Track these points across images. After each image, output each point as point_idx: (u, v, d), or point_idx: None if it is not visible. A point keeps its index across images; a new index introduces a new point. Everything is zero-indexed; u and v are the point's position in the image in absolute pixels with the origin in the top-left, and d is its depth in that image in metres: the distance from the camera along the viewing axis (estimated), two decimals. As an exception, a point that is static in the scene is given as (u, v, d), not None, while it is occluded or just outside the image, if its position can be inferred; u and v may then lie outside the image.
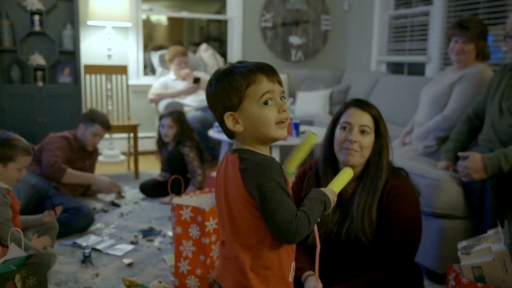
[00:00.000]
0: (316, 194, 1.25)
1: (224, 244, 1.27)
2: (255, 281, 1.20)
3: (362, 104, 1.74)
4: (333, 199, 1.28)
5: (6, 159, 2.16)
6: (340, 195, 1.75)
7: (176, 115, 3.52)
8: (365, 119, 1.70)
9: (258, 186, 1.14)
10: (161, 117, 3.56)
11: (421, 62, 4.64)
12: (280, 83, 1.21)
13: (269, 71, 1.19)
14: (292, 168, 1.34)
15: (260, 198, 1.14)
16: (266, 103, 1.17)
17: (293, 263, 1.28)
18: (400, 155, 2.65)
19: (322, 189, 1.28)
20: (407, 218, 1.70)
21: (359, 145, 1.68)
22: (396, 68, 5.17)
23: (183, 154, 3.43)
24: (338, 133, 1.74)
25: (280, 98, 1.21)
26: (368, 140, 1.69)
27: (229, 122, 1.19)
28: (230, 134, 1.23)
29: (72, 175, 3.12)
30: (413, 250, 1.73)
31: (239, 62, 1.22)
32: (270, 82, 1.18)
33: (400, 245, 1.69)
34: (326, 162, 1.79)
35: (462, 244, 1.75)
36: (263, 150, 1.22)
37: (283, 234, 1.15)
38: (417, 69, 4.81)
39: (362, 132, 1.69)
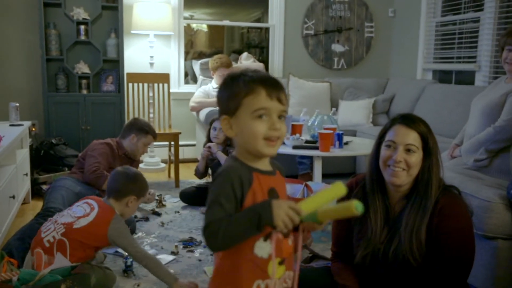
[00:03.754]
0: (256, 206, 1.12)
1: None
2: (213, 281, 1.25)
3: (408, 121, 1.64)
4: (286, 214, 1.08)
5: (140, 194, 2.37)
6: (387, 213, 1.68)
7: None
8: (412, 138, 1.61)
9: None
10: (213, 120, 3.55)
11: (471, 70, 4.47)
12: (280, 100, 1.18)
13: (270, 86, 1.17)
14: (306, 208, 1.14)
15: None
16: (259, 116, 1.16)
17: (261, 282, 1.18)
18: (449, 169, 2.54)
19: (280, 201, 1.10)
20: (460, 238, 1.61)
21: (405, 163, 1.60)
22: (443, 77, 5.01)
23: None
24: (383, 150, 1.66)
25: (279, 116, 1.18)
26: (415, 158, 1.61)
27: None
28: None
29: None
30: (465, 271, 1.64)
31: (252, 71, 1.22)
32: (267, 97, 1.16)
33: (452, 266, 1.60)
34: (373, 179, 1.72)
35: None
36: (250, 160, 1.20)
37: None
38: (465, 78, 4.64)
39: (408, 151, 1.61)
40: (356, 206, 1.10)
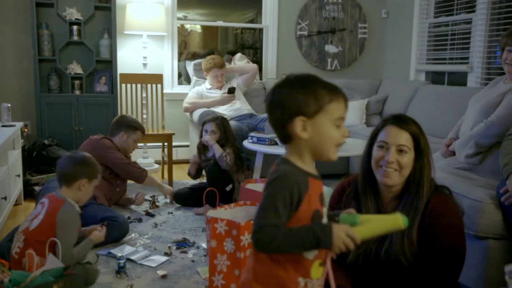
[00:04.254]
0: (317, 228, 1.15)
1: None
2: (255, 283, 1.21)
3: (400, 122, 1.65)
4: (342, 242, 1.14)
5: (92, 176, 2.29)
6: (379, 213, 1.69)
7: (221, 120, 3.51)
8: (403, 138, 1.62)
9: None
10: (204, 122, 3.55)
11: (463, 72, 4.49)
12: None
13: (346, 97, 1.24)
14: (361, 235, 1.18)
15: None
16: (337, 124, 1.20)
17: (301, 280, 1.21)
18: (440, 169, 2.54)
19: (339, 227, 1.15)
20: (451, 238, 1.62)
21: (397, 164, 1.61)
22: (436, 78, 5.04)
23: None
24: (375, 150, 1.67)
25: None
26: (407, 159, 1.62)
27: (297, 126, 1.19)
28: (285, 138, 1.23)
29: (149, 178, 3.43)
30: (457, 271, 1.66)
31: (315, 76, 1.25)
32: (345, 108, 1.22)
33: (444, 266, 1.61)
34: (365, 180, 1.73)
35: (509, 268, 1.65)
36: (306, 164, 1.23)
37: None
38: (458, 79, 4.67)
39: (400, 151, 1.62)
40: (403, 221, 1.19)
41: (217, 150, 3.38)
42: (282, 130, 1.22)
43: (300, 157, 1.22)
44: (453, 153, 2.69)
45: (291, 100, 1.19)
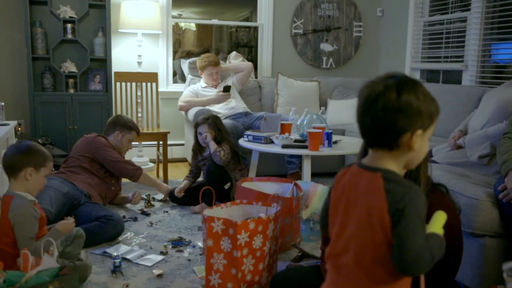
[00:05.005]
0: (440, 240, 1.19)
1: (337, 265, 1.22)
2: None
3: None
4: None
5: (39, 164, 2.15)
6: None
7: (212, 120, 3.50)
8: None
9: (403, 208, 1.11)
10: (197, 125, 3.53)
11: (458, 70, 4.50)
12: None
13: None
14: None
15: (398, 221, 1.11)
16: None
17: None
18: (437, 167, 2.54)
19: (437, 234, 1.19)
20: (448, 236, 1.61)
21: None
22: (431, 76, 5.05)
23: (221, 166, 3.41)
24: None
25: None
26: None
27: (415, 138, 1.16)
28: (388, 144, 1.18)
29: (144, 176, 3.42)
30: (453, 269, 1.65)
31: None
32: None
33: (440, 264, 1.60)
34: None
35: (507, 266, 1.65)
36: (402, 175, 1.22)
37: (406, 262, 1.10)
38: (453, 77, 4.68)
39: None
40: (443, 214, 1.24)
41: (212, 146, 3.39)
42: (393, 137, 1.16)
43: (397, 167, 1.20)
44: (459, 147, 2.66)
45: (418, 110, 1.15)
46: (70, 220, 2.29)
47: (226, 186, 3.36)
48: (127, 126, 3.42)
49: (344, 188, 1.23)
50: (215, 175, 3.36)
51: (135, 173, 3.34)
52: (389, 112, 1.14)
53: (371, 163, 1.21)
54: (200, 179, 3.70)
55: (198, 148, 3.58)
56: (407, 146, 1.16)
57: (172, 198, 3.58)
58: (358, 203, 1.18)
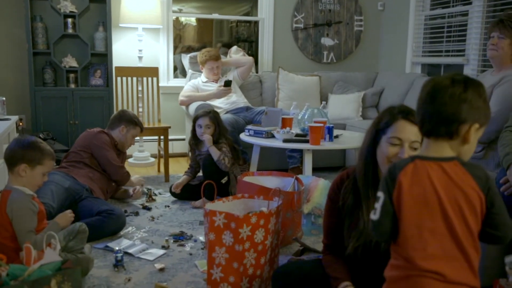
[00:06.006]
0: None
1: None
2: None
3: (410, 116, 1.63)
4: None
5: (34, 161, 2.14)
6: None
7: (213, 114, 3.49)
8: (414, 134, 1.61)
9: (490, 187, 1.24)
10: (196, 117, 3.52)
11: (459, 64, 4.50)
12: None
13: None
14: None
15: (493, 198, 1.24)
16: None
17: None
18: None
19: None
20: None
21: None
22: (432, 70, 5.04)
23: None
24: (386, 146, 1.63)
25: None
26: (417, 153, 1.61)
27: (472, 131, 1.25)
28: (448, 132, 1.25)
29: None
30: None
31: None
32: None
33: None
34: (366, 171, 1.70)
35: (510, 259, 1.66)
36: None
37: (511, 232, 1.25)
38: (454, 71, 4.67)
39: (412, 147, 1.61)
40: None
41: (214, 153, 3.37)
42: (454, 124, 1.24)
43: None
44: None
45: (479, 107, 1.25)
46: (68, 213, 2.30)
47: (223, 180, 3.36)
48: (132, 121, 3.43)
49: (426, 184, 1.24)
50: (211, 170, 3.36)
51: (126, 177, 3.36)
52: (455, 100, 1.23)
53: (438, 154, 1.27)
54: (200, 174, 3.70)
55: (195, 142, 3.57)
56: (463, 138, 1.24)
57: (172, 192, 3.58)
58: (455, 192, 1.22)
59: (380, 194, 1.31)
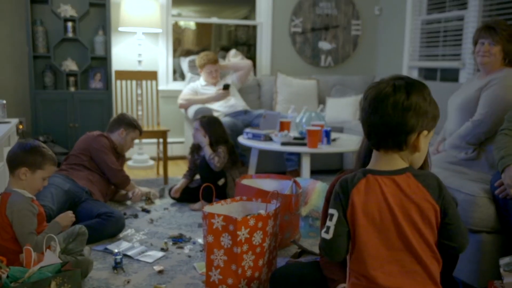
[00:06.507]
0: None
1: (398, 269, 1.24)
2: None
3: None
4: None
5: (35, 166, 2.15)
6: None
7: (207, 119, 3.49)
8: None
9: (444, 195, 1.21)
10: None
11: (455, 68, 4.53)
12: None
13: None
14: None
15: (447, 208, 1.21)
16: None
17: None
18: (434, 164, 2.57)
19: None
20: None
21: None
22: (428, 74, 5.08)
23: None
24: None
25: None
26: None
27: (421, 139, 1.22)
28: (398, 144, 1.22)
29: (130, 184, 3.43)
30: (451, 264, 1.67)
31: None
32: None
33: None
34: None
35: (504, 261, 1.68)
36: None
37: (466, 241, 1.22)
38: (450, 75, 4.71)
39: None
40: None
41: (206, 152, 3.38)
42: (401, 135, 1.20)
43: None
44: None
45: (426, 111, 1.20)
46: (69, 212, 2.32)
47: (220, 182, 3.38)
48: (131, 125, 3.45)
49: (379, 201, 1.21)
50: (207, 172, 3.38)
51: (125, 181, 3.36)
52: (399, 110, 1.17)
53: (389, 166, 1.24)
54: (198, 177, 3.72)
55: (196, 146, 3.60)
56: (413, 146, 1.20)
57: (171, 196, 3.60)
58: (409, 207, 1.19)
59: (333, 211, 1.26)
